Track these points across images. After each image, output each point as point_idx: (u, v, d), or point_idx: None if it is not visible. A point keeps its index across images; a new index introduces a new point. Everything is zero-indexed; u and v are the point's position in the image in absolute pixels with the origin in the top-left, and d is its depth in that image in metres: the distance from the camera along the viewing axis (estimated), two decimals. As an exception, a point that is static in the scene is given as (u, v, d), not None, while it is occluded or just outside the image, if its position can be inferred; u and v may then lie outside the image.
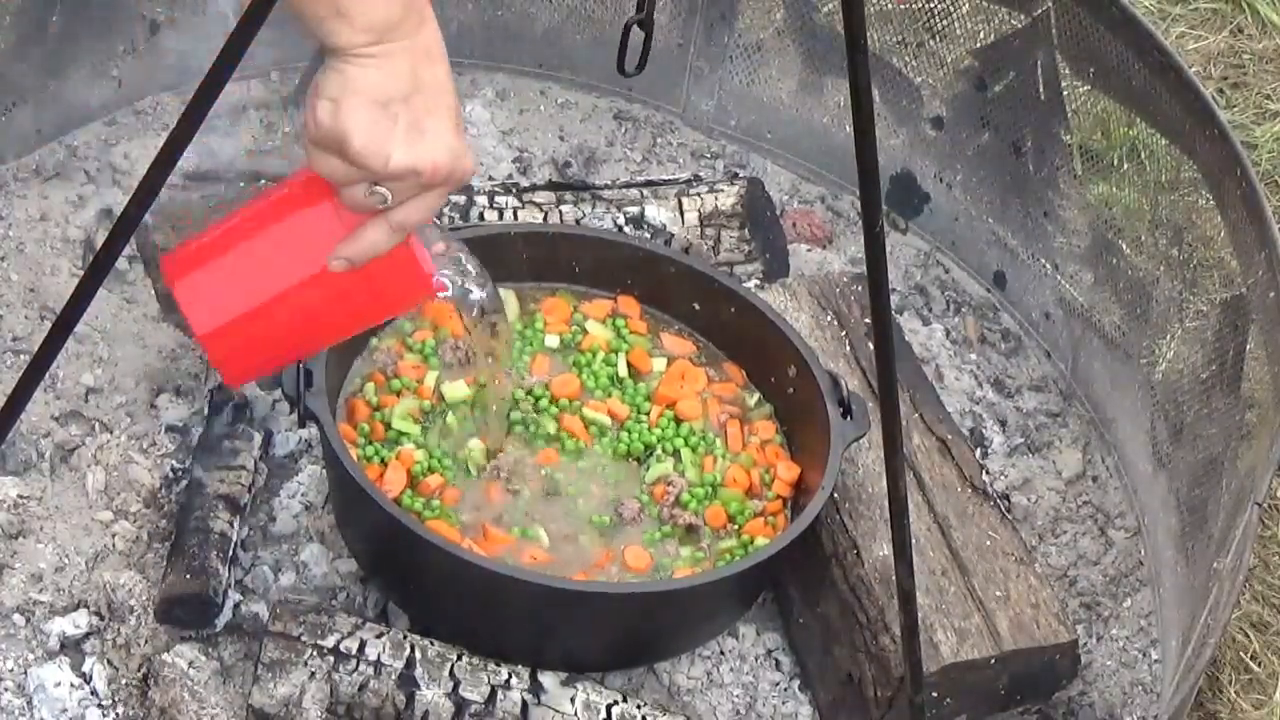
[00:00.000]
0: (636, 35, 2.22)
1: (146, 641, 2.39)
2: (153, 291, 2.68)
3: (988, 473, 2.69)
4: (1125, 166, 2.91)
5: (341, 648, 2.28)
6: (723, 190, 2.92)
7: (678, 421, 2.54)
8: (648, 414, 2.55)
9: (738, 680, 2.49)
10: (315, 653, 2.27)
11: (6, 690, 2.34)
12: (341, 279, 1.81)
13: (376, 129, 1.72)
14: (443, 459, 2.43)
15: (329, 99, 1.72)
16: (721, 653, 2.51)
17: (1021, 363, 3.08)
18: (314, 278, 1.82)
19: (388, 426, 2.45)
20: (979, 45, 3.05)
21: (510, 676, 2.29)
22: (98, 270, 1.78)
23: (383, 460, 2.40)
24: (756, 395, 2.61)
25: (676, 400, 2.56)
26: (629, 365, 2.61)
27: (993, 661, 2.36)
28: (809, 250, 3.15)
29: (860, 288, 2.81)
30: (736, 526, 2.45)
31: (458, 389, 2.51)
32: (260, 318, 1.85)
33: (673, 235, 2.85)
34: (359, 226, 1.79)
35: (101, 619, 2.42)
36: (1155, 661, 2.64)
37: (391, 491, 2.35)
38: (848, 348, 2.72)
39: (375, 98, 1.72)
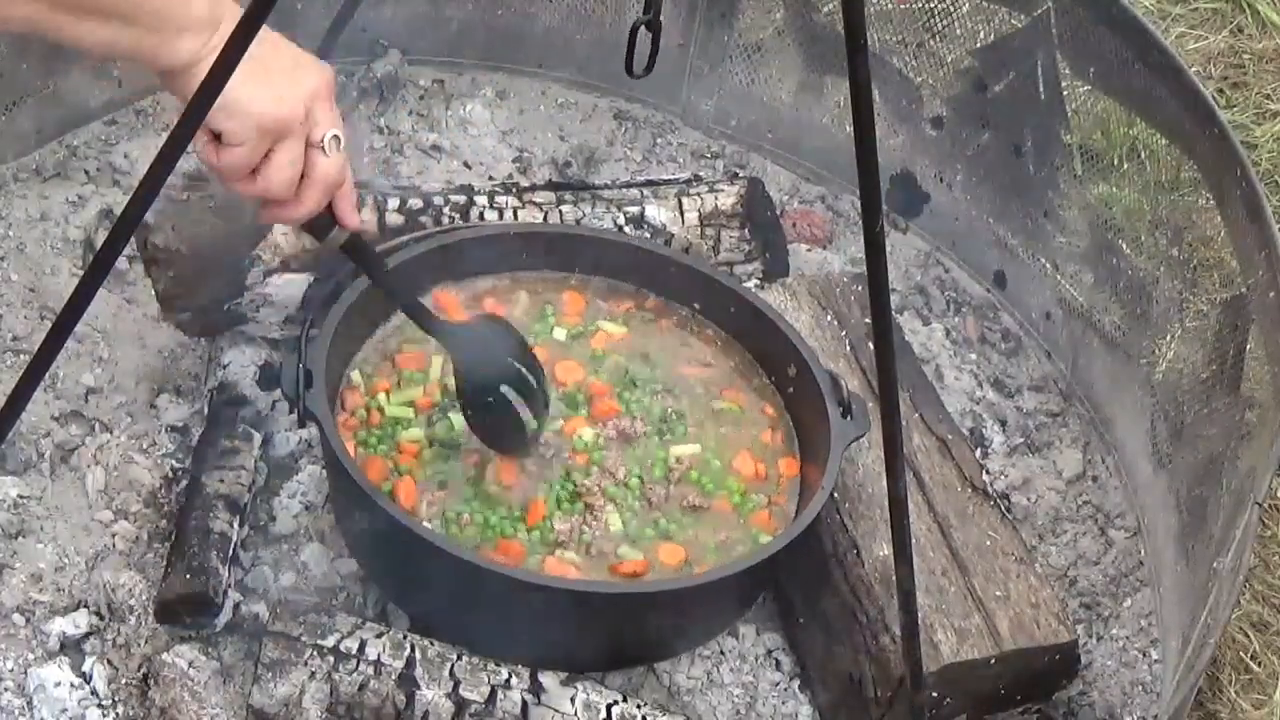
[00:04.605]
0: (644, 37, 2.21)
1: (146, 641, 2.39)
2: (153, 291, 2.68)
3: (988, 473, 2.69)
4: (1125, 166, 2.91)
5: (341, 648, 2.27)
6: (723, 190, 2.91)
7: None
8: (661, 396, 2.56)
9: (738, 680, 2.49)
10: (315, 653, 2.27)
11: (6, 690, 2.34)
12: None
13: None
14: (443, 453, 2.43)
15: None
16: (721, 653, 2.51)
17: (1021, 363, 3.08)
18: None
19: (382, 412, 2.45)
20: (979, 45, 3.05)
21: (510, 676, 2.29)
22: (98, 270, 1.78)
23: (385, 449, 2.41)
24: (763, 379, 2.62)
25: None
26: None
27: (993, 661, 2.36)
28: (809, 250, 3.15)
29: (860, 288, 2.81)
30: (741, 519, 2.44)
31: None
32: None
33: (673, 235, 2.85)
34: None
35: (101, 619, 2.42)
36: (1155, 661, 2.64)
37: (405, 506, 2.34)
38: (848, 348, 2.72)
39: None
